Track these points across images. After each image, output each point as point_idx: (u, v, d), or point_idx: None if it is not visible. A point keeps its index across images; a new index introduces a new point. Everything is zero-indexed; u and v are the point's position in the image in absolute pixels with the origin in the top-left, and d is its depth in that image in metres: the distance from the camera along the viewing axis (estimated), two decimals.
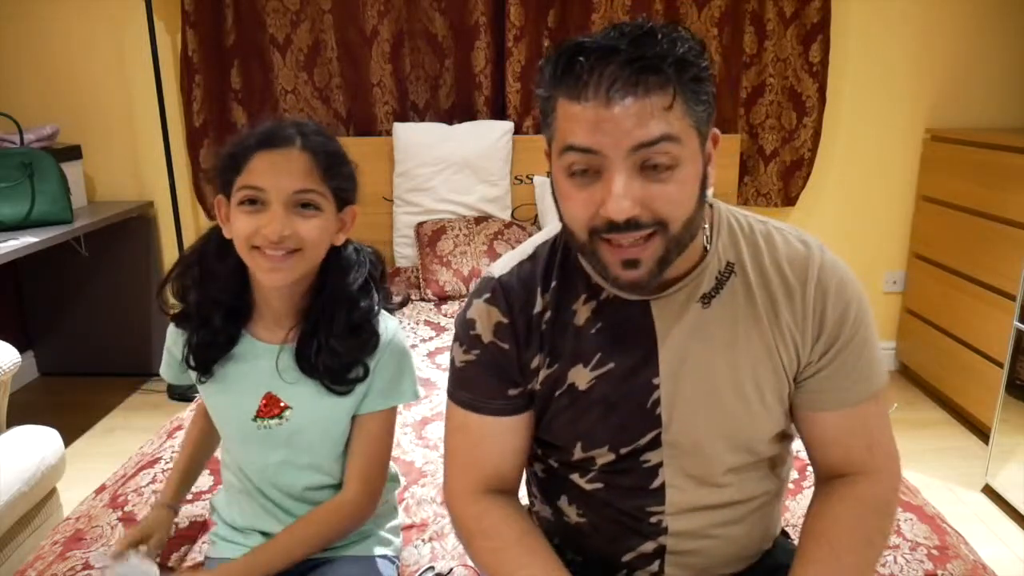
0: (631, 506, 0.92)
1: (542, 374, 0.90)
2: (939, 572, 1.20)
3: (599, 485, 0.93)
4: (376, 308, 1.07)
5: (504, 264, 0.94)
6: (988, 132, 2.69)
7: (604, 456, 0.91)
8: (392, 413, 1.10)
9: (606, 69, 0.71)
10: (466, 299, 0.96)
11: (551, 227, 0.95)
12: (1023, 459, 2.08)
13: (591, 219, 0.77)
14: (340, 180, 1.00)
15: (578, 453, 0.92)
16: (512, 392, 0.91)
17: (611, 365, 0.88)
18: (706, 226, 0.87)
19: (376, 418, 1.08)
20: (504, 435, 0.92)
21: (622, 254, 0.77)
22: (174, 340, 1.09)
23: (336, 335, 1.02)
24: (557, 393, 0.90)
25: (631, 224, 0.74)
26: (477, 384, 0.92)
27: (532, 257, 0.93)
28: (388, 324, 1.08)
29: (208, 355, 1.05)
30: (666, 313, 0.87)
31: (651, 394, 0.87)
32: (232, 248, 1.00)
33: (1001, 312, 2.35)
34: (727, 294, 0.87)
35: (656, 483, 0.90)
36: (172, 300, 1.06)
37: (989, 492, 2.23)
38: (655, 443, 0.89)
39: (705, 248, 0.87)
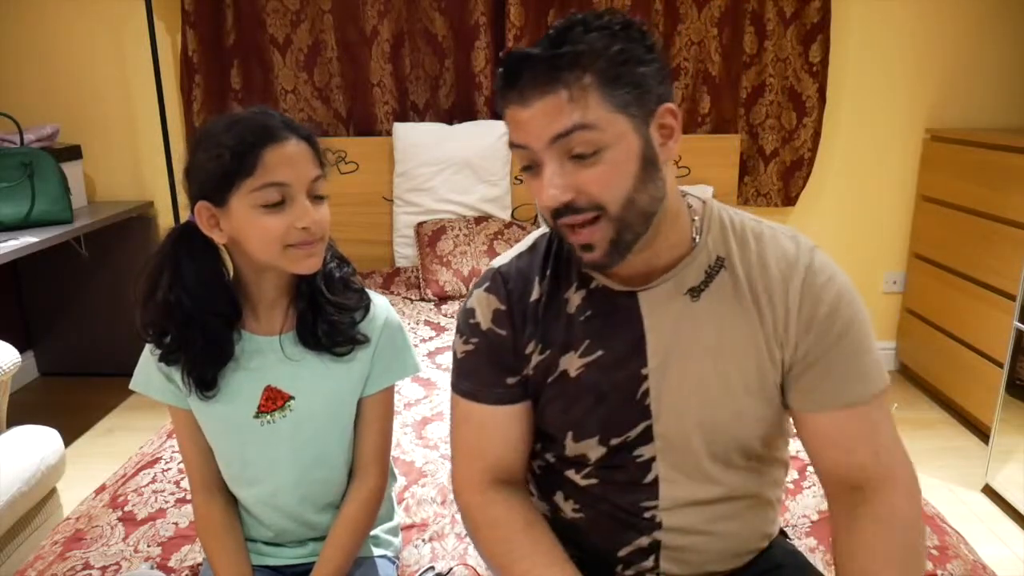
0: (626, 501, 0.92)
1: (534, 359, 0.92)
2: (939, 572, 1.19)
3: (594, 481, 0.94)
4: (352, 266, 1.09)
5: (504, 257, 0.98)
6: (988, 132, 2.69)
7: (595, 450, 0.92)
8: (393, 390, 1.12)
9: (521, 76, 0.78)
10: (468, 292, 0.99)
11: None
12: (1023, 459, 2.08)
13: (544, 207, 0.82)
14: (326, 163, 1.00)
15: (570, 445, 0.93)
16: (511, 380, 0.93)
17: (600, 353, 0.90)
18: (696, 219, 0.89)
19: (382, 397, 1.10)
20: (505, 424, 0.94)
21: (578, 238, 0.82)
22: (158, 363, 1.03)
23: (335, 293, 1.03)
24: (549, 380, 0.92)
25: (570, 208, 0.80)
26: (477, 373, 0.94)
27: (531, 248, 0.97)
28: (378, 301, 1.10)
29: (214, 368, 1.01)
30: (653, 304, 0.88)
31: (640, 384, 0.89)
32: (204, 252, 0.99)
33: (1001, 312, 2.35)
34: (716, 288, 0.88)
35: (649, 478, 0.91)
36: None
37: (989, 492, 2.23)
38: (647, 436, 0.90)
39: (693, 240, 0.89)
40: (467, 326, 0.95)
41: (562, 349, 0.91)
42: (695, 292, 0.88)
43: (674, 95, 0.84)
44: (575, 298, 0.91)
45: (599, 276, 0.90)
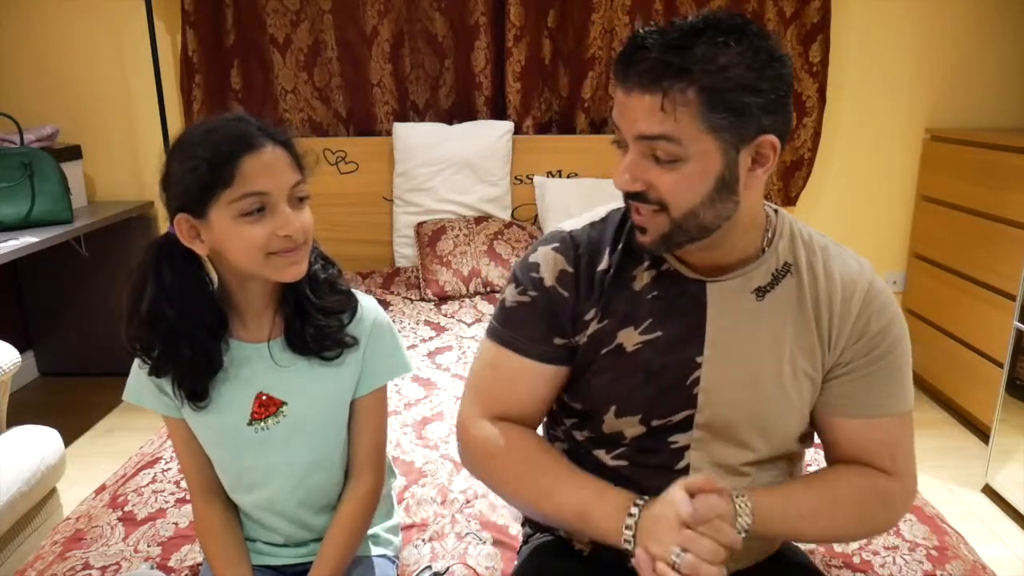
0: (653, 485, 0.93)
1: (592, 328, 0.94)
2: (939, 572, 1.20)
3: (624, 462, 0.95)
4: (337, 266, 1.08)
5: (575, 222, 0.99)
6: (988, 132, 2.69)
7: (634, 428, 0.93)
8: (386, 390, 1.12)
9: (633, 66, 0.80)
10: (530, 248, 1.00)
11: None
12: (1023, 459, 2.08)
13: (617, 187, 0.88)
14: (305, 167, 0.99)
15: (610, 420, 0.94)
16: (558, 341, 0.95)
17: (659, 333, 0.92)
18: (768, 230, 0.93)
19: (374, 398, 1.09)
20: (536, 380, 0.96)
21: (637, 218, 0.88)
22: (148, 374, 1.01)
23: (321, 297, 1.02)
24: (603, 351, 0.93)
25: (637, 196, 0.85)
26: (525, 325, 0.95)
27: (604, 220, 0.98)
28: (365, 301, 1.09)
29: (204, 379, 1.00)
30: (719, 296, 0.91)
31: (692, 371, 0.91)
32: (186, 263, 0.97)
33: (1001, 312, 2.35)
34: (781, 291, 0.91)
35: (681, 464, 0.93)
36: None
37: (989, 492, 2.23)
38: (686, 425, 0.92)
39: (763, 247, 0.92)
40: (528, 279, 0.95)
41: (622, 322, 0.92)
42: (761, 292, 0.91)
43: (789, 125, 0.88)
44: (644, 276, 0.93)
45: (672, 260, 0.92)
